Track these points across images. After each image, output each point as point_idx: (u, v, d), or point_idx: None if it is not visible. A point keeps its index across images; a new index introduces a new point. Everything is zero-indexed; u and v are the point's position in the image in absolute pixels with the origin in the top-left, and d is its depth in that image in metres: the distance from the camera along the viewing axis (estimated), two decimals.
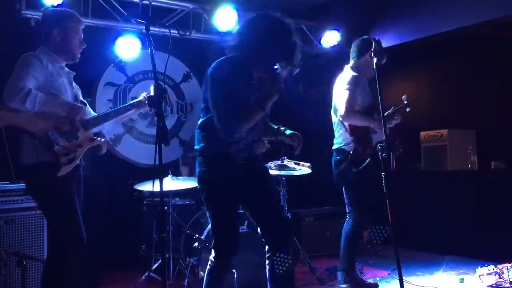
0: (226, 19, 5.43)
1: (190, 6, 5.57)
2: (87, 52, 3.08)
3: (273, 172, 4.48)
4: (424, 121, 6.19)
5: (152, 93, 2.80)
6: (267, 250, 2.91)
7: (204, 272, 3.35)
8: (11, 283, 3.52)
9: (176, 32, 5.51)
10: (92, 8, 5.02)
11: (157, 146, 2.39)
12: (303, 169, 4.60)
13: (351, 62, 4.08)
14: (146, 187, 4.26)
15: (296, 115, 5.14)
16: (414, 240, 5.45)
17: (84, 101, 3.12)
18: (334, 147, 4.07)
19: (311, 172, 4.63)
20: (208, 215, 2.91)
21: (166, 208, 4.28)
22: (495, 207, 5.05)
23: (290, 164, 4.64)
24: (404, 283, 2.99)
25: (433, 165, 5.98)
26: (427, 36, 5.56)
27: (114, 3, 5.18)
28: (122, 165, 5.72)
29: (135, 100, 3.17)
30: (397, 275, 3.00)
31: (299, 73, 2.87)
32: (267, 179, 3.04)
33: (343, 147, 3.95)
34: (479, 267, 4.15)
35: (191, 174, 5.09)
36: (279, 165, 4.61)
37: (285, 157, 4.66)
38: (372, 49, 3.22)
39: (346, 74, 4.00)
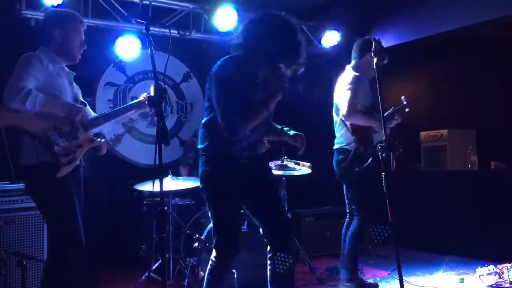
0: (226, 19, 5.43)
1: (190, 6, 5.58)
2: (87, 52, 3.08)
3: (273, 172, 4.48)
4: (424, 121, 6.19)
5: (152, 93, 2.79)
6: (269, 250, 2.90)
7: (204, 272, 3.34)
8: (11, 283, 3.52)
9: (176, 32, 5.51)
10: (92, 8, 5.03)
11: (157, 146, 2.39)
12: (303, 169, 4.60)
13: (353, 62, 4.08)
14: (146, 187, 4.26)
15: (296, 115, 5.14)
16: (414, 240, 5.45)
17: (84, 101, 3.11)
18: (336, 146, 4.07)
19: (311, 172, 4.63)
20: (209, 214, 2.90)
21: (166, 208, 4.28)
22: (495, 207, 5.05)
23: (290, 164, 4.64)
24: (404, 283, 2.99)
25: (433, 165, 5.98)
26: (427, 36, 5.56)
27: (114, 3, 5.18)
28: (122, 165, 5.72)
29: (135, 101, 3.16)
30: (397, 275, 3.00)
31: (299, 73, 2.87)
32: (271, 180, 3.04)
33: (345, 147, 3.96)
34: (479, 267, 4.15)
35: (191, 174, 5.09)
36: (279, 165, 4.61)
37: (285, 157, 4.66)
38: (372, 49, 3.22)
39: (347, 74, 4.00)
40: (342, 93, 3.90)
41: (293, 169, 4.61)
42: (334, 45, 6.02)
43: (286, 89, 2.76)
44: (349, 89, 3.85)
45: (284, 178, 4.76)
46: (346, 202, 4.17)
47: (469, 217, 5.28)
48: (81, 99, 3.10)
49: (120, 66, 5.80)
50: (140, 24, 4.87)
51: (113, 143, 5.68)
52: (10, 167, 3.65)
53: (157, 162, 2.37)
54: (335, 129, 4.11)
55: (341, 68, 4.16)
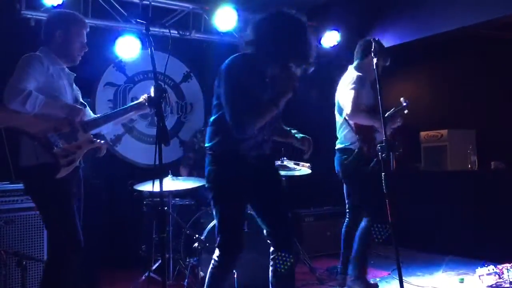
0: (226, 19, 5.43)
1: (190, 6, 5.58)
2: (87, 52, 3.08)
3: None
4: (424, 121, 6.19)
5: (152, 94, 2.79)
6: (272, 251, 2.90)
7: (204, 273, 3.35)
8: (11, 283, 3.52)
9: (176, 32, 5.51)
10: (92, 8, 5.03)
11: (157, 146, 2.39)
12: (303, 169, 4.61)
13: (355, 62, 4.09)
14: (146, 187, 4.26)
15: (295, 115, 5.14)
16: (414, 240, 5.45)
17: (84, 102, 3.11)
18: (339, 146, 4.07)
19: (311, 172, 4.63)
20: (214, 213, 2.87)
21: (166, 208, 4.28)
22: (495, 207, 5.05)
23: (290, 164, 4.64)
24: (404, 283, 2.99)
25: (433, 165, 5.98)
26: (427, 36, 5.56)
27: (114, 3, 5.18)
28: (122, 165, 5.72)
29: (135, 102, 3.16)
30: (397, 275, 3.00)
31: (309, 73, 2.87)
32: (277, 180, 3.03)
33: (349, 146, 3.96)
34: (479, 267, 4.15)
35: (191, 174, 5.09)
36: (279, 165, 4.61)
37: (285, 157, 4.66)
38: (372, 49, 3.22)
39: (350, 74, 4.00)
40: (345, 93, 3.90)
41: (293, 169, 4.61)
42: (334, 45, 6.02)
43: (295, 88, 2.74)
44: (352, 88, 3.85)
45: (284, 179, 4.76)
46: (346, 201, 4.17)
47: (469, 217, 5.28)
48: (81, 100, 3.10)
49: (120, 66, 5.80)
50: (140, 24, 4.87)
51: (113, 143, 5.68)
52: (10, 168, 3.65)
53: (157, 162, 2.37)
54: (338, 129, 4.11)
55: (341, 68, 4.16)
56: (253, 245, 3.69)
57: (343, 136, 4.04)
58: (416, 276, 4.56)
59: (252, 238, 3.79)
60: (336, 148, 4.10)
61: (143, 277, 4.30)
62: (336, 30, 5.98)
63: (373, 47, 3.20)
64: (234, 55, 2.86)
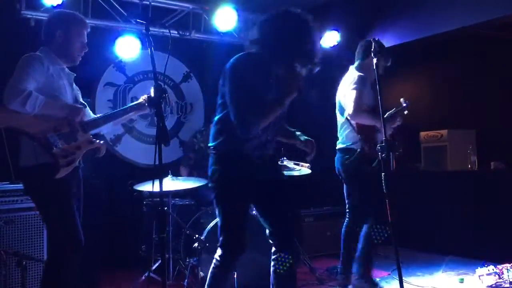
0: (226, 19, 5.43)
1: (190, 6, 5.58)
2: (87, 52, 3.07)
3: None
4: (424, 121, 6.19)
5: (152, 94, 2.79)
6: (274, 251, 2.89)
7: (203, 273, 3.34)
8: (11, 283, 3.52)
9: (176, 32, 5.51)
10: (92, 8, 5.03)
11: (157, 146, 2.39)
12: (303, 169, 4.60)
13: (356, 62, 4.09)
14: (146, 187, 4.26)
15: (295, 115, 5.13)
16: (414, 240, 5.45)
17: (84, 102, 3.11)
18: (340, 146, 4.07)
19: (311, 172, 4.63)
20: (217, 212, 2.86)
21: (166, 208, 4.28)
22: (495, 207, 5.05)
23: (290, 164, 4.64)
24: (404, 284, 2.99)
25: (433, 165, 5.98)
26: (427, 36, 5.55)
27: (114, 3, 5.18)
28: (122, 165, 5.72)
29: (135, 103, 3.16)
30: (397, 276, 3.00)
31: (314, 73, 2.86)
32: (280, 180, 3.02)
33: (350, 146, 3.96)
34: (478, 268, 4.15)
35: (191, 174, 5.09)
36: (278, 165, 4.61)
37: (285, 157, 4.66)
38: (372, 49, 3.22)
39: (351, 74, 4.00)
40: (347, 93, 3.90)
41: (293, 169, 4.60)
42: (334, 45, 6.02)
43: (301, 88, 2.73)
44: (354, 88, 3.85)
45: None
46: (346, 201, 4.17)
47: (469, 217, 5.29)
48: (81, 100, 3.10)
49: (120, 66, 5.80)
50: (140, 24, 4.86)
51: (113, 143, 5.68)
52: (10, 168, 3.65)
53: (157, 162, 2.37)
54: (339, 129, 4.11)
55: (341, 68, 4.16)
56: (253, 245, 3.69)
57: (344, 136, 4.03)
58: (416, 276, 4.56)
59: (252, 238, 3.79)
60: (337, 148, 4.10)
61: (143, 277, 4.30)
62: (336, 30, 5.98)
63: (373, 47, 3.20)
64: (239, 54, 2.85)
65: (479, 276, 4.10)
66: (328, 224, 5.62)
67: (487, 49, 5.92)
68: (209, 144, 2.90)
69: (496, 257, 4.40)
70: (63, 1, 4.58)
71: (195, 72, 6.31)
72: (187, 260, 4.11)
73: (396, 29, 5.78)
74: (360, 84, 3.87)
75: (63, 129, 2.83)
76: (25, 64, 2.79)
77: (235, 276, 3.63)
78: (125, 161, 5.78)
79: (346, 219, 4.16)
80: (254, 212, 3.07)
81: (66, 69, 3.02)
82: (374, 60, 3.18)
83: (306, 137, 3.10)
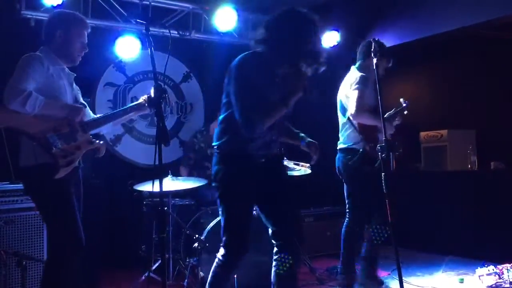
0: (225, 20, 5.44)
1: (190, 6, 5.58)
2: (87, 52, 3.07)
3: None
4: (424, 122, 6.19)
5: (152, 94, 2.79)
6: (276, 251, 2.88)
7: (203, 273, 3.34)
8: (11, 283, 3.52)
9: (176, 32, 5.51)
10: (92, 8, 5.03)
11: (157, 146, 2.39)
12: (303, 169, 4.60)
13: (358, 63, 4.10)
14: (146, 187, 4.26)
15: (295, 115, 5.14)
16: (414, 240, 5.45)
17: (84, 102, 3.11)
18: (341, 146, 4.07)
19: (311, 172, 4.63)
20: (220, 212, 2.85)
21: (166, 208, 4.28)
22: (495, 207, 5.05)
23: (290, 164, 4.63)
24: (404, 284, 2.99)
25: (433, 165, 5.98)
26: (427, 36, 5.55)
27: (114, 3, 5.18)
28: (122, 165, 5.72)
29: (135, 103, 3.16)
30: (397, 275, 3.00)
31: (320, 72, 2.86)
32: (284, 180, 3.01)
33: (352, 146, 3.96)
34: (478, 268, 4.15)
35: (191, 174, 5.09)
36: None
37: (285, 157, 4.65)
38: (372, 49, 3.22)
39: (353, 75, 4.01)
40: (349, 93, 3.90)
41: (293, 169, 4.60)
42: (334, 45, 6.02)
43: (306, 88, 2.72)
44: (356, 88, 3.85)
45: None
46: (347, 201, 4.17)
47: (469, 217, 5.28)
48: (81, 100, 3.10)
49: (120, 66, 5.80)
50: (140, 25, 4.87)
51: (113, 143, 5.68)
52: (10, 168, 3.65)
53: (157, 162, 2.37)
54: (341, 129, 4.11)
55: (341, 69, 4.16)
56: (253, 245, 3.69)
57: (346, 136, 4.03)
58: (416, 276, 4.56)
59: (252, 238, 3.80)
60: (338, 148, 4.10)
61: (143, 277, 4.29)
62: (336, 30, 5.98)
63: (372, 47, 3.21)
64: (245, 53, 2.83)
65: (479, 276, 4.09)
66: (328, 224, 5.62)
67: (487, 49, 5.92)
68: (213, 144, 2.89)
69: (496, 257, 4.40)
70: (63, 1, 4.58)
71: (195, 72, 6.30)
72: (187, 260, 4.11)
73: (396, 29, 5.78)
74: (362, 84, 3.87)
75: (63, 129, 2.83)
76: (25, 64, 2.79)
77: (235, 276, 3.62)
78: (125, 161, 5.78)
79: (346, 219, 4.15)
80: (254, 212, 3.07)
81: (66, 69, 3.02)
82: (374, 60, 3.19)
83: (310, 140, 3.09)
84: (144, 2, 5.24)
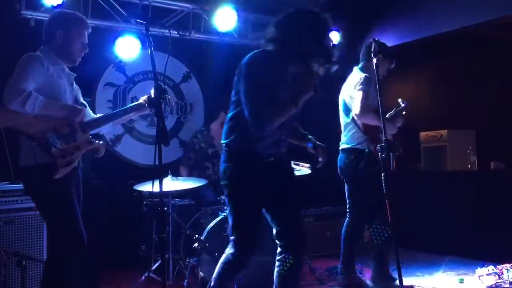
0: (225, 20, 5.43)
1: (190, 6, 5.58)
2: (87, 52, 3.08)
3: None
4: (424, 122, 6.19)
5: (152, 94, 2.79)
6: (279, 252, 2.87)
7: (203, 273, 3.33)
8: (11, 283, 3.52)
9: (176, 32, 5.51)
10: (92, 8, 5.03)
11: (157, 146, 2.39)
12: (303, 169, 4.60)
13: (360, 64, 4.10)
14: (146, 187, 4.26)
15: (294, 115, 5.14)
16: (414, 240, 5.45)
17: (84, 102, 3.11)
18: (344, 147, 4.06)
19: (310, 173, 4.63)
20: (228, 210, 2.83)
21: (165, 208, 4.28)
22: (495, 207, 5.05)
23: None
24: (404, 284, 2.99)
25: (433, 165, 5.98)
26: (427, 36, 5.56)
27: (114, 3, 5.18)
28: (122, 165, 5.71)
29: (135, 103, 3.16)
30: (397, 276, 3.00)
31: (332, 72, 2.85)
32: (292, 180, 2.99)
33: (356, 147, 3.96)
34: (478, 268, 4.15)
35: (191, 174, 5.09)
36: None
37: None
38: (372, 49, 3.22)
39: (357, 75, 4.01)
40: (354, 94, 3.90)
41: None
42: (334, 45, 6.01)
43: (317, 87, 2.70)
44: (360, 89, 3.86)
45: None
46: (347, 201, 4.17)
47: (469, 217, 5.28)
48: (81, 100, 3.10)
49: (120, 66, 5.80)
50: (140, 25, 4.86)
51: (113, 144, 5.68)
52: (10, 168, 3.65)
53: (157, 163, 2.37)
54: (343, 129, 4.11)
55: (341, 69, 4.15)
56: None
57: (350, 136, 4.03)
58: (416, 276, 4.56)
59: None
60: (340, 148, 4.10)
61: (143, 277, 4.29)
62: (336, 30, 5.98)
63: (372, 47, 3.21)
64: (255, 51, 2.81)
65: (479, 276, 4.09)
66: (328, 224, 5.62)
67: (487, 49, 5.92)
68: (222, 141, 2.87)
69: (496, 257, 4.40)
70: (63, 1, 4.58)
71: (195, 72, 6.30)
72: (187, 260, 4.11)
73: (396, 29, 5.79)
74: (366, 85, 3.88)
75: (63, 129, 2.83)
76: (25, 64, 2.79)
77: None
78: (125, 161, 5.78)
79: (347, 219, 4.16)
80: None
81: (66, 69, 3.02)
82: (374, 60, 3.19)
83: (318, 143, 3.06)
84: (144, 2, 5.24)
